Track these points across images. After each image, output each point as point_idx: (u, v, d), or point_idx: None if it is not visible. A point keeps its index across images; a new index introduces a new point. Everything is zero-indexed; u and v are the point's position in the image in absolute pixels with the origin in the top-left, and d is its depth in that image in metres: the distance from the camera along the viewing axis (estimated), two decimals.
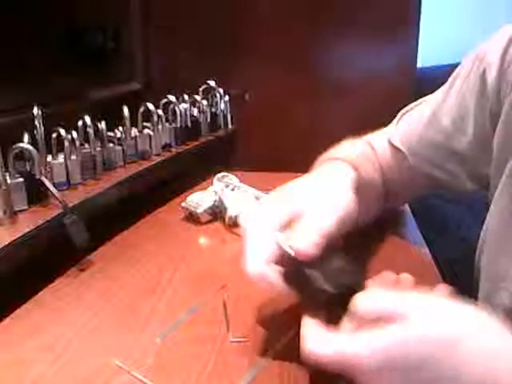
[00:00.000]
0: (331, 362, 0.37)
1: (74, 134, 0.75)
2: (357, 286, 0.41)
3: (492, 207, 0.55)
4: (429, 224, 0.87)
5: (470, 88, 0.58)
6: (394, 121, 0.72)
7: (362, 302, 0.39)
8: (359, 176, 0.58)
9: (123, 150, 0.85)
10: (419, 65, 1.10)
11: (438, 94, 0.65)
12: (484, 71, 0.56)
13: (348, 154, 0.63)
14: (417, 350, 0.35)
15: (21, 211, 0.65)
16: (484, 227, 0.57)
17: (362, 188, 0.56)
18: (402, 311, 0.36)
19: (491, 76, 0.55)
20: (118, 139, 0.85)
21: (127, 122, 0.86)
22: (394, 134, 0.69)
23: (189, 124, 1.00)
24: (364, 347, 0.36)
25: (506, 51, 0.53)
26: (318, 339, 0.39)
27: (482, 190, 0.58)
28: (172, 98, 0.96)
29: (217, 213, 0.81)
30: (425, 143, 0.64)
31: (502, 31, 0.55)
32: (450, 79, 0.63)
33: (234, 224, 0.78)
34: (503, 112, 0.53)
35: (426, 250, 0.71)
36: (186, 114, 0.99)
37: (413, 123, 0.68)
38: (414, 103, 0.71)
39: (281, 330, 0.52)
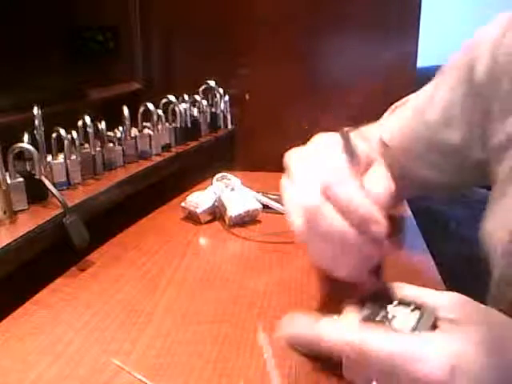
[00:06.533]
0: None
1: (74, 134, 0.75)
2: None
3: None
4: (429, 224, 0.87)
5: (459, 79, 0.55)
6: (386, 114, 0.71)
7: None
8: None
9: (123, 150, 0.85)
10: (419, 65, 1.10)
11: (428, 86, 0.62)
12: (473, 63, 0.53)
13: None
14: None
15: (21, 211, 0.65)
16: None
17: None
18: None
19: (480, 69, 0.52)
20: (118, 139, 0.85)
21: (127, 122, 0.86)
22: (384, 129, 0.67)
23: (189, 124, 1.00)
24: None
25: (497, 43, 0.50)
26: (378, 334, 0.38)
27: (476, 187, 0.57)
28: (172, 98, 0.96)
29: (216, 213, 0.82)
30: (413, 139, 0.62)
31: (496, 19, 0.52)
32: (441, 70, 0.60)
33: (233, 224, 0.78)
34: (494, 109, 0.50)
35: (426, 249, 0.71)
36: (186, 114, 0.99)
37: (402, 118, 0.65)
38: (407, 97, 0.69)
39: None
